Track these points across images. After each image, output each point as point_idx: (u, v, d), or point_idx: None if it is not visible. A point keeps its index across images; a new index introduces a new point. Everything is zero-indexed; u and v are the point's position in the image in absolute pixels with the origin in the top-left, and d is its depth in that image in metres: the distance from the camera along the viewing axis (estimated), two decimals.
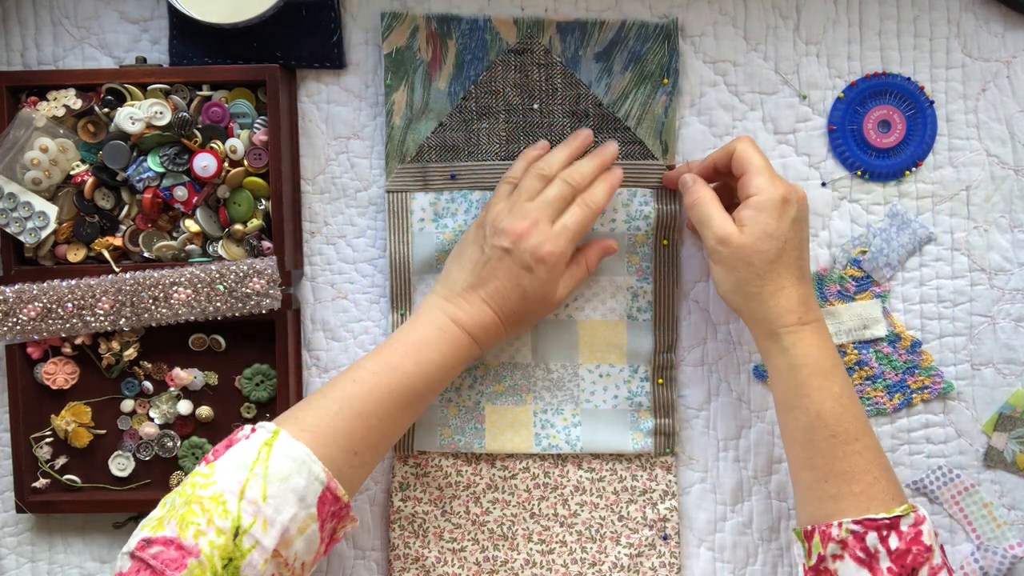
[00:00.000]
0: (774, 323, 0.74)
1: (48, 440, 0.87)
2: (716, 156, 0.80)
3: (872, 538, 0.69)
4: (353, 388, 0.74)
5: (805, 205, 0.77)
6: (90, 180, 0.84)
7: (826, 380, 0.73)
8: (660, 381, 0.86)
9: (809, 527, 0.73)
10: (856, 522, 0.70)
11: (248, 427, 0.72)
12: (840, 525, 0.70)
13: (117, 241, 0.85)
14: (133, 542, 0.66)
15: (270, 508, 0.67)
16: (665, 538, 0.86)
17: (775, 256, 0.74)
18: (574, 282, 0.81)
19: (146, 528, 0.67)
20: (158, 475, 0.87)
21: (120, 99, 0.84)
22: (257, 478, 0.67)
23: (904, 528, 0.70)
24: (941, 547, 0.71)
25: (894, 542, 0.69)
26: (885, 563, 0.69)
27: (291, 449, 0.69)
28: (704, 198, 0.77)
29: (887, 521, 0.70)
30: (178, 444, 0.87)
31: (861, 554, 0.69)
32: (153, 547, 0.65)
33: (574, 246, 0.79)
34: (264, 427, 0.71)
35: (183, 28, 0.85)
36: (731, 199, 0.80)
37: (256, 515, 0.66)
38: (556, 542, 0.87)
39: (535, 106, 0.85)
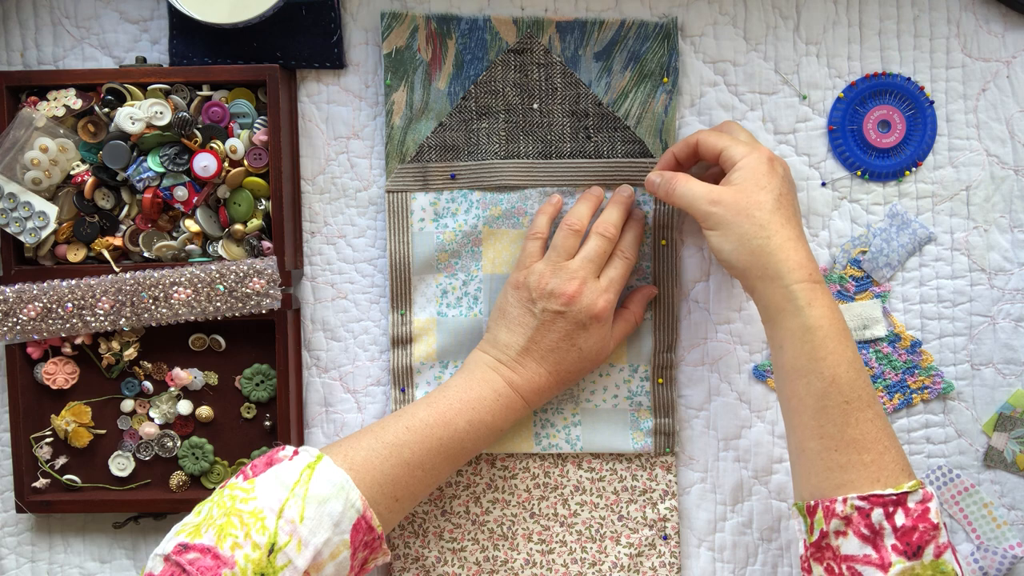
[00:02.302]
0: (787, 278, 0.72)
1: (48, 440, 0.87)
2: (675, 148, 0.81)
3: (877, 514, 0.68)
4: (405, 436, 0.76)
5: (789, 170, 0.77)
6: (90, 180, 0.84)
7: (840, 344, 0.71)
8: (660, 381, 0.86)
9: (812, 502, 0.71)
10: (862, 498, 0.68)
11: (290, 448, 0.74)
12: (845, 501, 0.69)
13: (117, 241, 0.85)
14: (169, 546, 0.67)
15: (306, 529, 0.68)
16: (665, 538, 0.86)
17: (773, 206, 0.73)
18: (623, 335, 0.84)
19: (182, 533, 0.68)
20: (158, 475, 0.87)
21: (120, 99, 0.84)
22: (297, 499, 0.69)
23: (911, 505, 0.68)
24: (944, 524, 0.70)
25: (900, 519, 0.68)
26: (890, 540, 0.68)
27: (332, 475, 0.71)
28: (678, 179, 0.77)
29: (894, 497, 0.68)
30: (178, 444, 0.87)
31: (865, 531, 0.68)
32: (190, 553, 0.66)
33: (618, 297, 0.81)
34: (308, 451, 0.73)
35: (183, 28, 0.85)
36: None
37: (292, 535, 0.67)
38: (556, 542, 0.87)
39: (535, 106, 0.85)
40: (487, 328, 0.83)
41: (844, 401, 0.70)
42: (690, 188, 0.76)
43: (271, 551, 0.66)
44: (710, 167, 0.83)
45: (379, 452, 0.74)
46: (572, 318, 0.78)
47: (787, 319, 0.72)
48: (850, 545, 0.69)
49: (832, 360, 0.71)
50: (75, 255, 0.85)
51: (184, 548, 0.66)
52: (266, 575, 0.66)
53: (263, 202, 0.85)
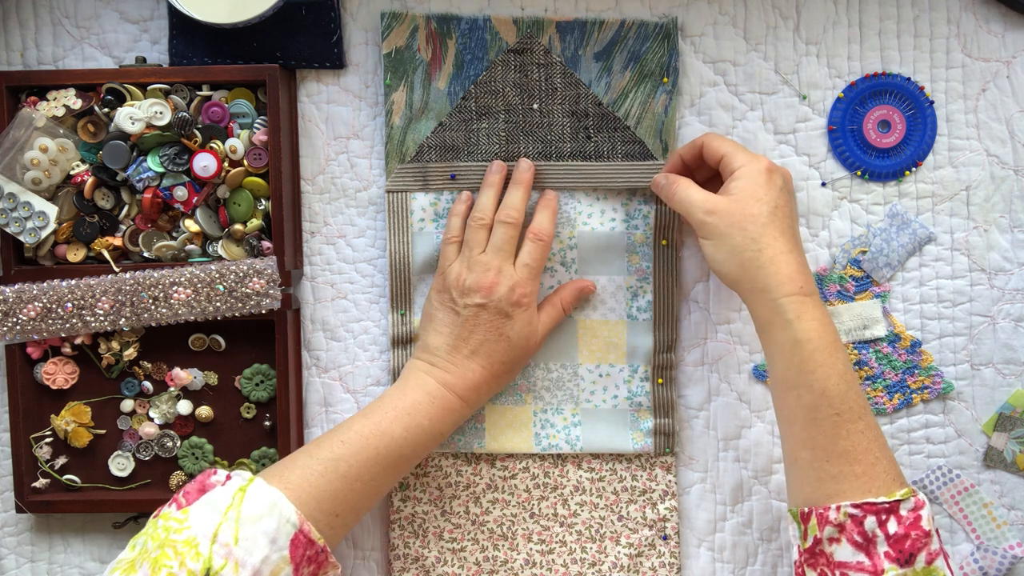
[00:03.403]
0: (776, 292, 0.72)
1: (48, 440, 0.87)
2: (682, 150, 0.81)
3: (871, 522, 0.68)
4: (340, 450, 0.75)
5: (790, 180, 0.77)
6: (90, 180, 0.84)
7: (831, 356, 0.71)
8: (660, 381, 0.86)
9: (806, 509, 0.72)
10: (855, 506, 0.69)
11: (223, 473, 0.73)
12: (838, 508, 0.69)
13: (117, 241, 0.85)
14: None
15: (241, 550, 0.67)
16: (665, 538, 0.86)
17: (767, 219, 0.73)
18: (551, 322, 0.84)
19: (117, 571, 0.67)
20: (158, 475, 0.87)
21: (120, 99, 0.84)
22: (230, 522, 0.68)
23: (903, 513, 0.69)
24: (936, 531, 0.70)
25: (893, 527, 0.68)
26: (883, 548, 0.68)
27: (264, 494, 0.70)
28: (680, 184, 0.78)
29: (886, 505, 0.69)
30: (178, 444, 0.87)
31: (859, 538, 0.68)
32: None
33: (538, 281, 0.81)
34: (240, 475, 0.73)
35: (183, 28, 0.85)
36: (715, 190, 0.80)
37: (227, 557, 0.66)
38: (556, 542, 0.87)
39: (535, 106, 0.85)
40: (418, 335, 0.84)
41: (835, 413, 0.70)
42: (688, 195, 0.76)
43: None
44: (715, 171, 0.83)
45: (314, 469, 0.73)
46: (494, 308, 0.79)
47: (776, 332, 0.72)
48: (843, 552, 0.69)
49: (822, 373, 0.71)
50: (75, 255, 0.85)
51: None
52: None
53: (263, 202, 0.85)
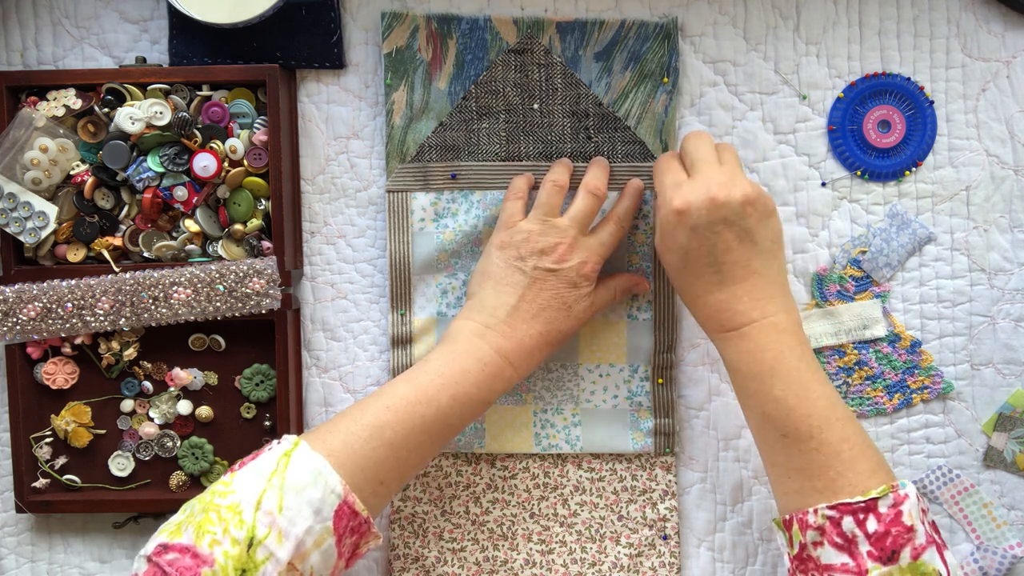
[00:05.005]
0: (702, 327, 0.77)
1: (48, 440, 0.87)
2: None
3: (848, 523, 0.68)
4: (386, 416, 0.73)
5: (710, 210, 0.71)
6: (90, 180, 0.84)
7: (763, 384, 0.72)
8: (660, 381, 0.86)
9: (787, 516, 0.72)
10: (831, 507, 0.69)
11: (275, 441, 0.73)
12: (816, 511, 0.69)
13: (117, 241, 0.85)
14: (151, 546, 0.66)
15: (285, 520, 0.66)
16: (665, 538, 0.87)
17: (679, 267, 0.75)
18: (604, 304, 0.83)
19: (164, 533, 0.67)
20: (158, 475, 0.87)
21: (120, 99, 0.84)
22: (274, 489, 0.67)
23: (883, 510, 0.68)
24: (932, 523, 0.70)
25: (872, 525, 0.67)
26: (864, 547, 0.67)
27: (308, 460, 0.69)
28: (660, 203, 0.78)
29: (862, 504, 0.68)
30: (178, 444, 0.87)
31: (839, 539, 0.68)
32: (169, 553, 0.65)
33: (603, 262, 0.82)
34: (287, 439, 0.72)
35: (183, 28, 0.85)
36: None
37: (271, 526, 0.66)
38: (556, 542, 0.87)
39: (535, 106, 0.85)
40: (468, 294, 0.81)
41: (781, 435, 0.72)
42: (656, 222, 0.79)
43: (250, 545, 0.65)
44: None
45: (359, 435, 0.72)
46: (564, 276, 0.78)
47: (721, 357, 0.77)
48: (827, 555, 0.69)
49: (758, 399, 0.73)
50: (75, 255, 0.85)
51: (164, 548, 0.65)
52: (247, 570, 0.65)
53: (263, 202, 0.85)
